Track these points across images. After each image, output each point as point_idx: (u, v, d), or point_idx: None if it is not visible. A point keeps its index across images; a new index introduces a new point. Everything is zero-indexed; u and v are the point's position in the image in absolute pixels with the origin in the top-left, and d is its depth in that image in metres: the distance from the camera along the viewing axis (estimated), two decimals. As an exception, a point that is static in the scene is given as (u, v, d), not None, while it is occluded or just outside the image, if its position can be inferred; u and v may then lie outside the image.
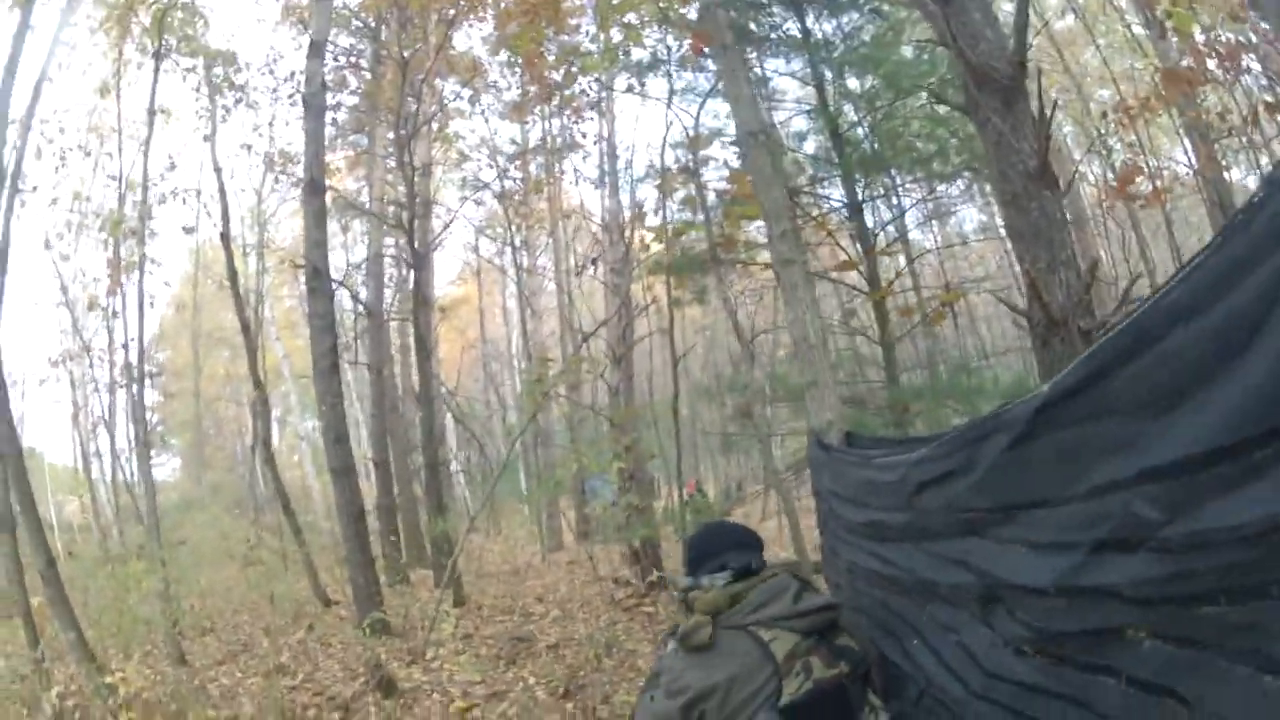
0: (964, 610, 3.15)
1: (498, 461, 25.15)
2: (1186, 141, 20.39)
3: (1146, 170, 19.40)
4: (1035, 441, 2.52)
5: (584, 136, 26.85)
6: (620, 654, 11.54)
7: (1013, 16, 7.09)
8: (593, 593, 17.00)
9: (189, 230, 25.60)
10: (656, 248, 20.58)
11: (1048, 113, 6.41)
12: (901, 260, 17.87)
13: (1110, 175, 22.41)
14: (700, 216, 16.41)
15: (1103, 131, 20.46)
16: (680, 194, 19.98)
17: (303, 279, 16.71)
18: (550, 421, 27.20)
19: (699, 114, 16.09)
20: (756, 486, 33.47)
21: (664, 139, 23.85)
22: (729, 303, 15.49)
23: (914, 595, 3.72)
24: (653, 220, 21.09)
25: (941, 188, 15.73)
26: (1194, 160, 19.35)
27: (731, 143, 15.81)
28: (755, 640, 3.55)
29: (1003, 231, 24.71)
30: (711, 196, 16.94)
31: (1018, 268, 23.03)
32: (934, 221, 21.16)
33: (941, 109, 12.77)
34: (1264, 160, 19.30)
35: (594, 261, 22.94)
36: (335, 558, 18.52)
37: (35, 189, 20.63)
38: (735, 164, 15.83)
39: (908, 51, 14.01)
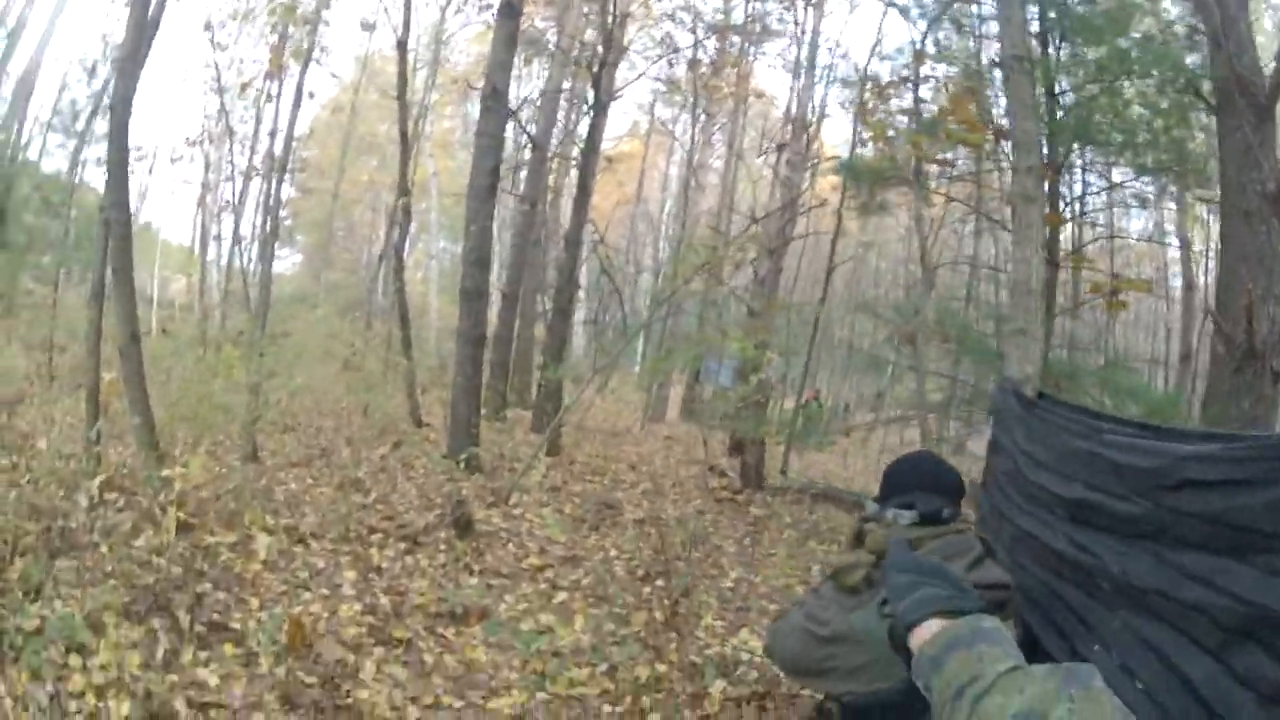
0: (1184, 633, 2.65)
1: (630, 321, 24.90)
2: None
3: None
4: None
5: (795, 24, 25.98)
6: (707, 547, 10.99)
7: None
8: (686, 475, 16.60)
9: (367, 27, 25.31)
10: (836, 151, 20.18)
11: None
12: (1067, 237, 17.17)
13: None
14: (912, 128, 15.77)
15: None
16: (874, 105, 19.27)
17: (470, 101, 16.31)
18: (684, 295, 26.79)
19: (927, 30, 15.57)
20: (869, 415, 32.97)
21: (875, 43, 23.14)
22: (921, 222, 14.87)
23: (1107, 595, 3.20)
24: (840, 126, 20.93)
25: (1133, 179, 14.83)
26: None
27: (995, 66, 15.00)
28: None
29: (1173, 239, 24.13)
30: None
31: (1175, 280, 22.33)
32: (1111, 210, 20.19)
33: (1164, 101, 12.27)
34: None
35: (780, 148, 22.28)
36: (436, 380, 18.26)
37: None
38: (950, 87, 15.17)
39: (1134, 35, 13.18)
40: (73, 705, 4.89)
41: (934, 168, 15.43)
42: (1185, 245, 23.05)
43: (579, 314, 29.67)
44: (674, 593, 8.22)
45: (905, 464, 3.73)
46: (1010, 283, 7.28)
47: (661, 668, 6.65)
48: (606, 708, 6.03)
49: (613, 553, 10.34)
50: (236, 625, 6.52)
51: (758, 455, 15.92)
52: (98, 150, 28.89)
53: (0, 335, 18.70)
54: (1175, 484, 2.78)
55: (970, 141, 13.11)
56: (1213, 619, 2.49)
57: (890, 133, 15.77)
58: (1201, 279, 23.45)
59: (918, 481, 3.49)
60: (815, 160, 21.83)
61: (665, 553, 9.81)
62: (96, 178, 30.98)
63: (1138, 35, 13.08)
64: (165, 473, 8.12)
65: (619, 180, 37.62)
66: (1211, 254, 24.49)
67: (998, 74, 14.89)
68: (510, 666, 6.65)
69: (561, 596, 8.60)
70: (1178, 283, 24.73)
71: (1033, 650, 3.34)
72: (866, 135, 16.94)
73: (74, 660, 5.23)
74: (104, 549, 6.98)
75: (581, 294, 26.09)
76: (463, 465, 11.73)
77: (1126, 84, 12.77)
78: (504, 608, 8.04)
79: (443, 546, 9.54)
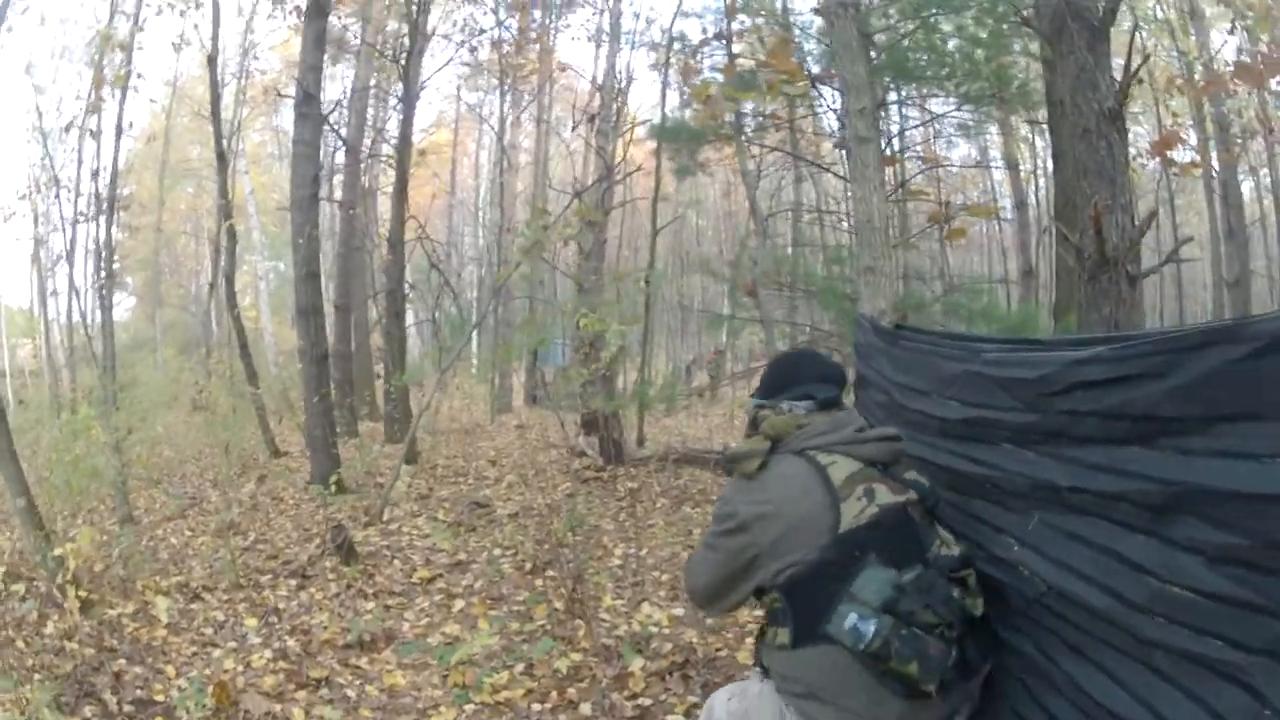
0: (1108, 518, 2.86)
1: (466, 314, 24.89)
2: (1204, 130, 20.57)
3: (1184, 140, 19.64)
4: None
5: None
6: (586, 529, 11.14)
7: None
8: (546, 460, 16.66)
9: (179, 46, 25.11)
10: (644, 115, 20.41)
11: (1134, 62, 6.84)
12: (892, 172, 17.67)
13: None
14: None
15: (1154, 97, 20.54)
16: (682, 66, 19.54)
17: (278, 113, 16.20)
18: (511, 280, 26.89)
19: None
20: (710, 373, 33.32)
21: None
22: (748, 175, 15.15)
23: (1016, 500, 3.39)
24: (647, 91, 21.18)
25: (955, 109, 15.37)
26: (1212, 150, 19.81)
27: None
28: (810, 463, 3.35)
29: (998, 162, 25.10)
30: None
31: (1003, 201, 23.36)
32: (931, 141, 20.77)
33: (983, 32, 12.87)
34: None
35: (591, 119, 22.47)
36: (284, 405, 18.17)
37: (26, 10, 20.09)
38: (767, 38, 15.57)
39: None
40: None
41: (748, 120, 15.72)
42: (1014, 167, 23.83)
43: (411, 315, 29.71)
44: (568, 579, 8.36)
45: (794, 361, 4.00)
46: (855, 223, 7.86)
47: (576, 656, 6.78)
48: (535, 706, 6.10)
49: (496, 551, 10.36)
50: (160, 697, 6.44)
51: (616, 429, 15.96)
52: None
53: None
54: (1064, 388, 3.01)
55: (794, 91, 13.38)
56: (1134, 503, 2.73)
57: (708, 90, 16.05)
58: (1031, 198, 24.38)
59: (811, 375, 3.69)
60: (627, 127, 22.01)
61: (548, 541, 9.96)
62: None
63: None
64: (57, 552, 8.04)
65: (432, 172, 37.00)
66: (1040, 174, 25.59)
67: (806, 21, 15.31)
68: (431, 684, 6.68)
69: (459, 604, 8.64)
70: (1005, 204, 25.58)
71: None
72: (690, 96, 17.19)
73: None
74: (19, 643, 6.95)
75: (410, 294, 26.11)
76: (331, 490, 11.64)
77: (941, 19, 13.23)
78: (407, 626, 8.08)
79: (331, 575, 9.51)
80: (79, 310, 28.01)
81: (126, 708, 6.27)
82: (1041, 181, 25.74)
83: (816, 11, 13.84)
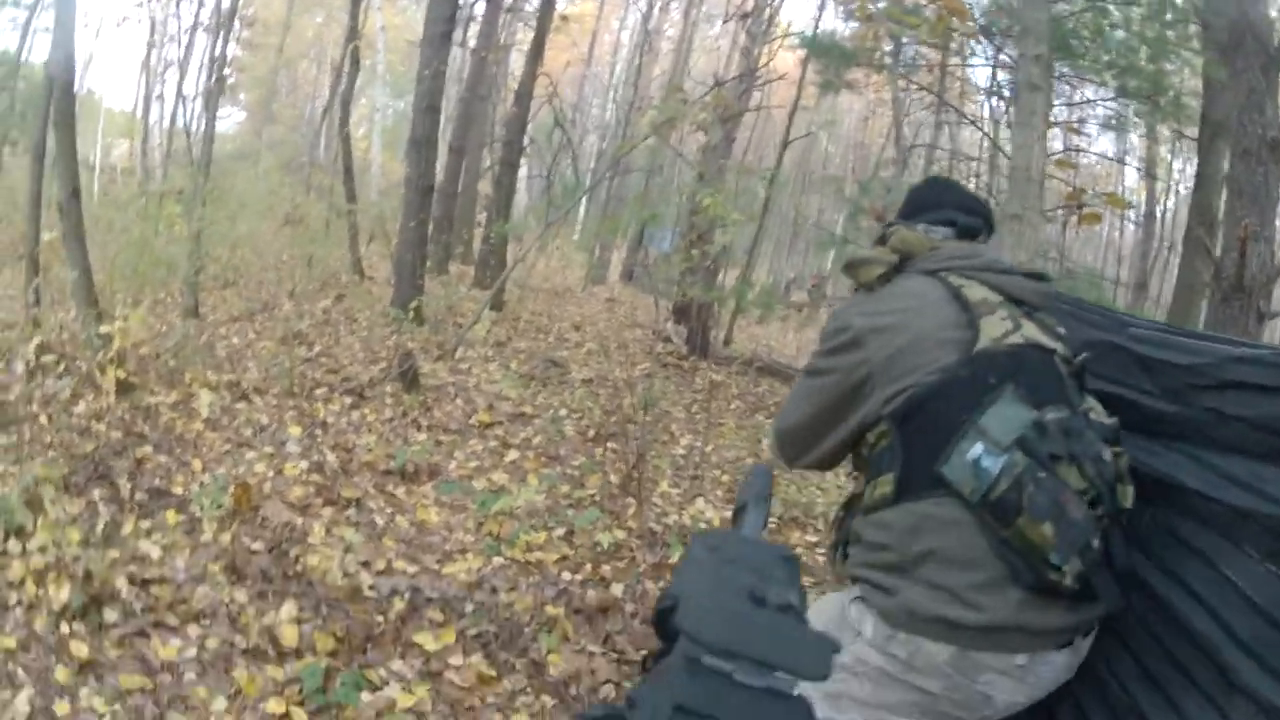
0: (1228, 537, 2.48)
1: (581, 178, 24.67)
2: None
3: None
4: None
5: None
6: (656, 412, 10.81)
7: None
8: (630, 337, 16.46)
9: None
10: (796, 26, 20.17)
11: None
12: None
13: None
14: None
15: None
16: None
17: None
18: (631, 156, 26.59)
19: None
20: (801, 290, 33.09)
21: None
22: (898, 103, 14.68)
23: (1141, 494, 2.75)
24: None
25: (1108, 100, 15.50)
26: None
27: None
28: (943, 283, 2.74)
29: (1135, 163, 24.49)
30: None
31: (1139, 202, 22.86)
32: (1071, 127, 20.19)
33: (1149, 31, 12.62)
34: None
35: (744, 17, 22.06)
36: (377, 233, 18.04)
37: None
38: None
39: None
40: (13, 596, 4.61)
41: (906, 50, 15.33)
42: (1151, 174, 23.05)
43: (524, 169, 29.57)
44: (630, 455, 8.02)
45: (936, 184, 3.43)
46: (1010, 169, 7.42)
47: (620, 534, 6.47)
48: (566, 574, 5.83)
49: (562, 411, 10.17)
50: (179, 490, 6.30)
51: (710, 320, 15.81)
52: (46, 19, 28.48)
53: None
54: (1216, 384, 2.58)
55: (960, 29, 12.96)
56: (1262, 526, 2.34)
57: (870, 9, 15.55)
58: (1158, 211, 23.79)
59: (955, 201, 3.10)
60: (777, 34, 21.58)
61: (618, 414, 9.65)
62: (44, 49, 30.54)
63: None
64: (104, 329, 7.80)
65: (571, 40, 36.98)
66: (1172, 192, 24.86)
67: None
68: (464, 528, 6.49)
69: (512, 455, 8.42)
70: (1132, 212, 24.94)
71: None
72: (854, 7, 16.70)
73: (12, 545, 4.92)
74: (43, 419, 6.71)
75: (528, 148, 25.92)
76: (409, 317, 11.51)
77: (1112, 5, 12.81)
78: (454, 465, 7.89)
79: (389, 400, 9.40)
80: (183, 117, 28.21)
81: (139, 495, 6.06)
82: (1171, 201, 25.06)
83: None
